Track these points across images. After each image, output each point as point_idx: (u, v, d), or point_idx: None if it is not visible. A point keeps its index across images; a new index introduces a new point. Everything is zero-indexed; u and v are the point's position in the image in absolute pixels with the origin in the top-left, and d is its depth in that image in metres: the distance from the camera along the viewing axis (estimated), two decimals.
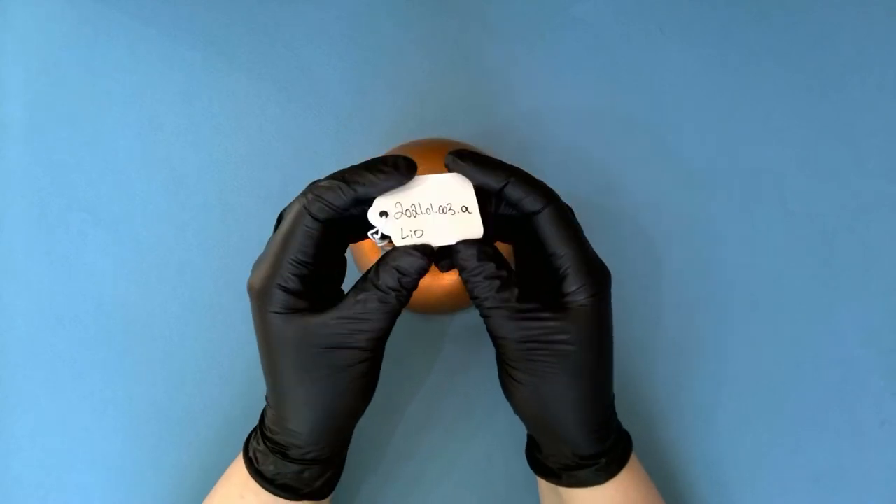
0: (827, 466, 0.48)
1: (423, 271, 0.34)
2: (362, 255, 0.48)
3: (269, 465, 0.38)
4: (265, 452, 0.38)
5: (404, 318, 0.49)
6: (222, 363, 0.49)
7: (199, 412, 0.48)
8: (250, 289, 0.36)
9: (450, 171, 0.35)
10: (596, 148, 0.51)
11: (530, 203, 0.35)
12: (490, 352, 0.49)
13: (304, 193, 0.35)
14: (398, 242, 0.35)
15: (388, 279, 0.34)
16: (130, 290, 0.50)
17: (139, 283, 0.50)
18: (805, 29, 0.52)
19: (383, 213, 0.35)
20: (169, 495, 0.48)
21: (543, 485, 0.42)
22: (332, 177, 0.35)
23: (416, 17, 0.52)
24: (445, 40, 0.52)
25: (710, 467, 0.48)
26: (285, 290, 0.34)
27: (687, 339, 0.49)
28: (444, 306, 0.48)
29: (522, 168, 0.36)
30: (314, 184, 0.35)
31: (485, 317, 0.35)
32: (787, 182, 0.51)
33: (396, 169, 0.34)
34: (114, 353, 0.49)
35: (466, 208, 0.35)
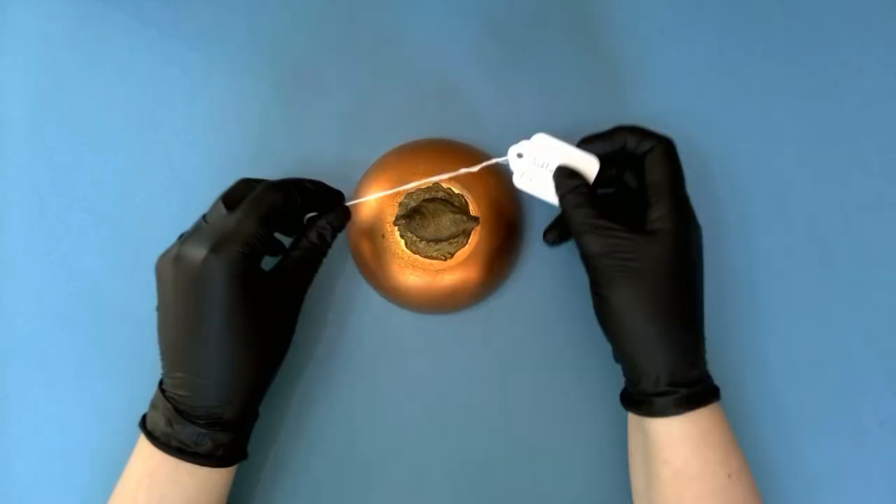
0: (827, 466, 0.48)
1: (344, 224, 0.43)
2: (360, 256, 0.48)
3: (168, 429, 0.39)
4: (166, 415, 0.39)
5: (405, 316, 0.49)
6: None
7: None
8: (208, 257, 0.38)
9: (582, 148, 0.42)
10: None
11: (644, 145, 0.41)
12: (491, 348, 0.49)
13: (275, 182, 0.42)
14: (515, 181, 0.43)
15: (321, 235, 0.42)
16: (130, 291, 0.50)
17: (139, 283, 0.50)
18: (805, 29, 0.52)
19: (519, 155, 0.43)
20: None
21: (632, 424, 0.43)
22: (300, 178, 0.42)
23: (415, 17, 0.52)
24: (445, 40, 0.52)
25: None
26: (245, 256, 0.39)
27: None
28: (445, 306, 0.49)
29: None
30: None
31: (575, 236, 0.41)
32: (787, 182, 0.51)
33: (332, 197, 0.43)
34: (114, 353, 0.49)
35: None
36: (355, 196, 0.48)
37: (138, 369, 0.49)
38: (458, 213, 0.45)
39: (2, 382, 0.49)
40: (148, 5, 0.52)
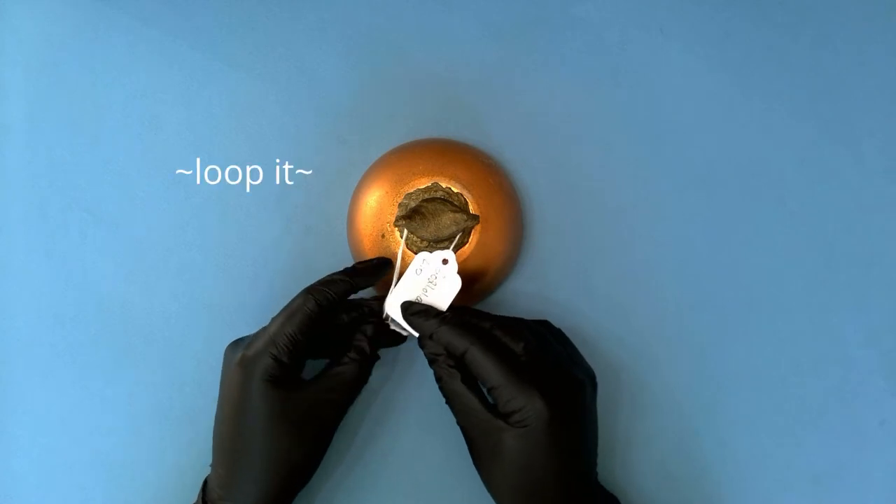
0: (827, 466, 0.48)
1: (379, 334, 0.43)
2: (360, 256, 0.48)
3: None
4: None
5: None
6: (222, 363, 0.49)
7: (199, 412, 0.48)
8: (240, 358, 0.40)
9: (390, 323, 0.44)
10: (596, 148, 0.51)
11: (455, 349, 0.40)
12: None
13: (308, 288, 0.42)
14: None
15: (356, 350, 0.42)
16: (130, 290, 0.50)
17: (139, 283, 0.50)
18: (805, 29, 0.52)
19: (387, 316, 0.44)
20: (169, 495, 0.48)
21: None
22: (332, 275, 0.42)
23: (415, 17, 0.52)
24: (445, 40, 0.52)
25: (710, 467, 0.48)
26: (277, 360, 0.40)
27: (687, 339, 0.49)
28: None
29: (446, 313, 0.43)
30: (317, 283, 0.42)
31: (446, 399, 0.42)
32: (787, 182, 0.51)
33: (383, 265, 0.44)
34: (114, 353, 0.49)
35: (446, 261, 0.44)
36: (355, 195, 0.49)
37: (138, 369, 0.49)
38: (458, 211, 0.45)
39: (2, 382, 0.49)
40: (148, 5, 0.52)
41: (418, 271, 0.44)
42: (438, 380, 0.42)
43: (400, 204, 0.46)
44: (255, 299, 0.49)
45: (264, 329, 0.41)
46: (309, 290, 0.41)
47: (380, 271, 0.44)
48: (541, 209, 0.50)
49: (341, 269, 0.43)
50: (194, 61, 0.52)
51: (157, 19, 0.52)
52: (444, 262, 0.44)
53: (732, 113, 0.51)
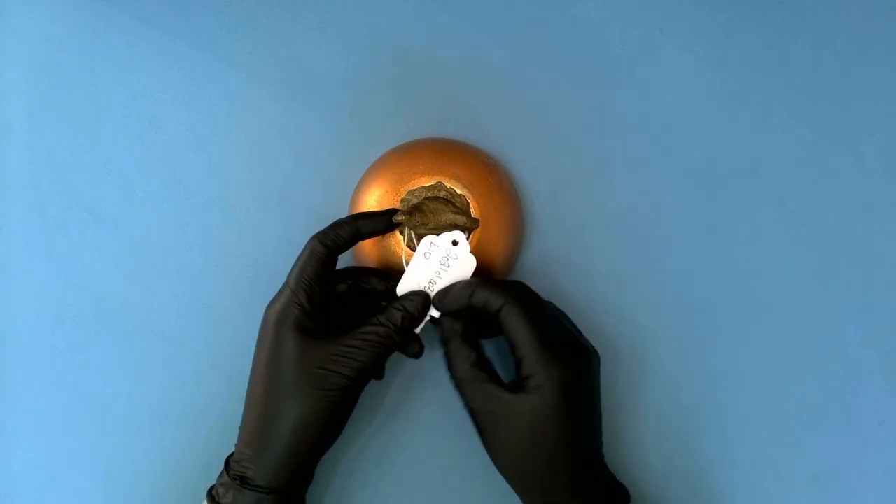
0: (827, 466, 0.48)
1: (421, 311, 0.43)
2: (361, 254, 0.48)
3: (229, 498, 0.40)
4: (226, 485, 0.41)
5: None
6: (222, 363, 0.49)
7: (199, 412, 0.48)
8: (272, 309, 0.42)
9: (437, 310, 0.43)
10: (596, 148, 0.51)
11: (493, 305, 0.40)
12: (491, 348, 0.49)
13: (315, 234, 0.42)
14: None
15: (391, 316, 0.42)
16: (130, 290, 0.50)
17: (139, 283, 0.50)
18: (805, 29, 0.52)
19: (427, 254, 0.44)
20: (169, 495, 0.48)
21: None
22: (338, 220, 0.43)
23: (415, 16, 0.52)
24: (445, 40, 0.52)
25: (710, 467, 0.48)
26: (301, 307, 0.41)
27: (687, 339, 0.49)
28: None
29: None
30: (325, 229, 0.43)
31: (454, 382, 0.42)
32: (787, 182, 0.51)
33: (387, 215, 0.44)
34: (114, 353, 0.49)
35: (456, 242, 0.43)
36: (355, 194, 0.49)
37: (138, 369, 0.49)
38: (458, 213, 0.45)
39: (2, 382, 0.49)
40: (148, 5, 0.52)
41: (427, 255, 0.43)
42: (449, 361, 0.42)
43: (402, 199, 0.46)
44: (255, 299, 0.49)
45: (285, 283, 0.42)
46: (315, 236, 0.42)
47: (384, 219, 0.44)
48: (541, 209, 0.50)
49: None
50: (194, 61, 0.52)
51: (157, 19, 0.52)
52: (455, 243, 0.43)
53: (732, 113, 0.51)
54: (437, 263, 0.43)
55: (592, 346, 0.43)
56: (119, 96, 0.52)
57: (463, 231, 0.45)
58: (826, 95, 0.51)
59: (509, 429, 0.40)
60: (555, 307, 0.45)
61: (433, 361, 0.47)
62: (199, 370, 0.49)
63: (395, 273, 0.44)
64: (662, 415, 0.48)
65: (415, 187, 0.46)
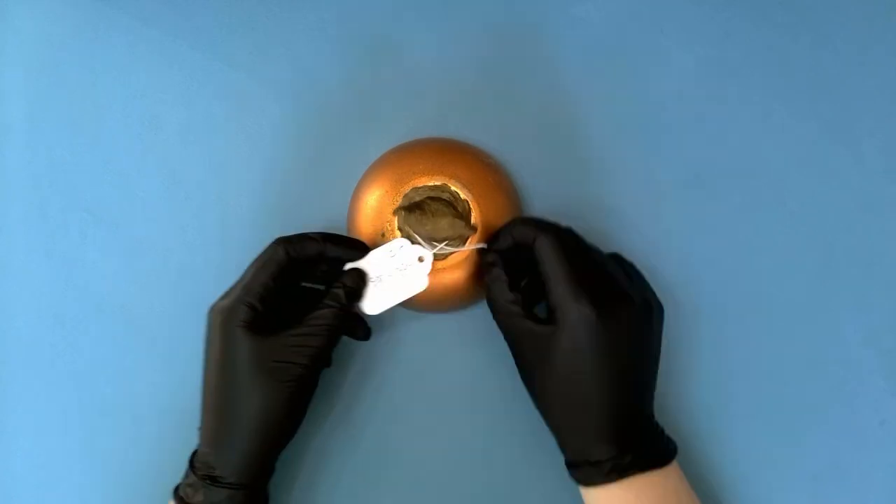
0: (827, 465, 0.48)
1: (359, 283, 0.43)
2: None
3: (199, 497, 0.41)
4: (194, 485, 0.41)
5: (405, 316, 0.49)
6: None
7: (199, 412, 0.48)
8: (217, 308, 0.41)
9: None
10: (596, 147, 0.51)
11: (530, 237, 0.41)
12: (490, 348, 0.49)
13: (281, 238, 0.42)
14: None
15: (333, 295, 0.42)
16: (130, 290, 0.50)
17: (139, 283, 0.50)
18: (805, 29, 0.52)
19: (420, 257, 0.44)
20: (168, 495, 0.48)
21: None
22: (308, 232, 0.43)
23: (415, 17, 0.52)
24: (445, 40, 0.52)
25: (710, 467, 0.48)
26: (251, 307, 0.40)
27: (687, 339, 0.49)
28: (444, 305, 0.48)
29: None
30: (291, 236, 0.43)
31: (493, 314, 0.42)
32: (787, 182, 0.51)
33: (356, 248, 0.44)
34: (114, 353, 0.49)
35: (422, 259, 0.43)
36: (355, 194, 0.48)
37: (138, 368, 0.49)
38: (458, 217, 0.45)
39: (2, 382, 0.49)
40: (148, 5, 0.52)
41: (391, 254, 0.43)
42: (488, 291, 0.42)
43: (405, 195, 0.46)
44: None
45: (239, 280, 0.42)
46: (280, 240, 0.42)
47: (352, 249, 0.43)
48: (541, 209, 0.50)
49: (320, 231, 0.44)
50: (194, 61, 0.52)
51: (157, 19, 0.52)
52: (420, 259, 0.44)
53: (732, 113, 0.51)
54: (395, 266, 0.43)
55: (655, 300, 0.43)
56: (119, 96, 0.52)
57: (460, 236, 0.45)
58: (826, 95, 0.51)
59: (539, 362, 0.40)
60: (620, 258, 0.45)
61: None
62: (198, 370, 0.49)
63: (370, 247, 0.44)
64: (661, 415, 0.48)
65: (419, 185, 0.45)
